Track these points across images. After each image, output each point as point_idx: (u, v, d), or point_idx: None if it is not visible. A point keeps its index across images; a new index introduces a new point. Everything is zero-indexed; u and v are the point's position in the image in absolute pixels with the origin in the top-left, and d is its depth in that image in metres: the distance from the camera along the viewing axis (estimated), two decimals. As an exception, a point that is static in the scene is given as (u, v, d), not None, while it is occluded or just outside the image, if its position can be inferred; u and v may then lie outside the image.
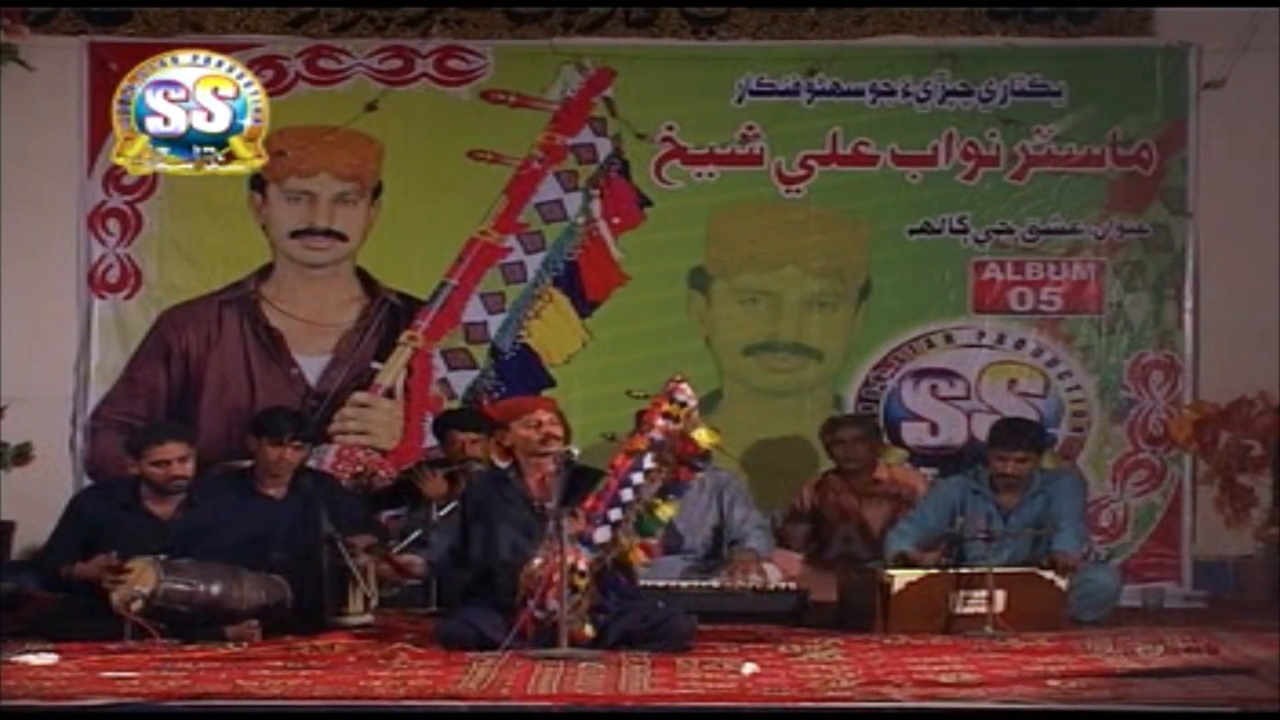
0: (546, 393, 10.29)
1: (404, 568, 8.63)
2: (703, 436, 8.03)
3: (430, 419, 10.30)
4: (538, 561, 7.91)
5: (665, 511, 8.07)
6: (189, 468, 8.66)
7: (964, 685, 7.19)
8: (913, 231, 10.51)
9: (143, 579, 8.18)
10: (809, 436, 10.32)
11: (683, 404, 8.03)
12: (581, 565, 7.88)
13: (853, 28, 10.48)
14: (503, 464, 9.96)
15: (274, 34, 10.44)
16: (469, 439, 9.71)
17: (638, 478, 8.00)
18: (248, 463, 9.37)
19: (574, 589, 7.81)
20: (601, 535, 7.98)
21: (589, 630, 7.84)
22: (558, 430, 8.31)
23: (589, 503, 8.02)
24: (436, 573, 8.80)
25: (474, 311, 10.50)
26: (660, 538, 8.12)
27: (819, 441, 10.14)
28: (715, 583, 9.19)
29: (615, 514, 7.99)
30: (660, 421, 8.03)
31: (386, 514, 9.81)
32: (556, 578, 7.79)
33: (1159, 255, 10.48)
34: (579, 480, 8.17)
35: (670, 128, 10.48)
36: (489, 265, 10.49)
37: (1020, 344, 10.53)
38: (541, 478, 8.22)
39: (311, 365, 10.49)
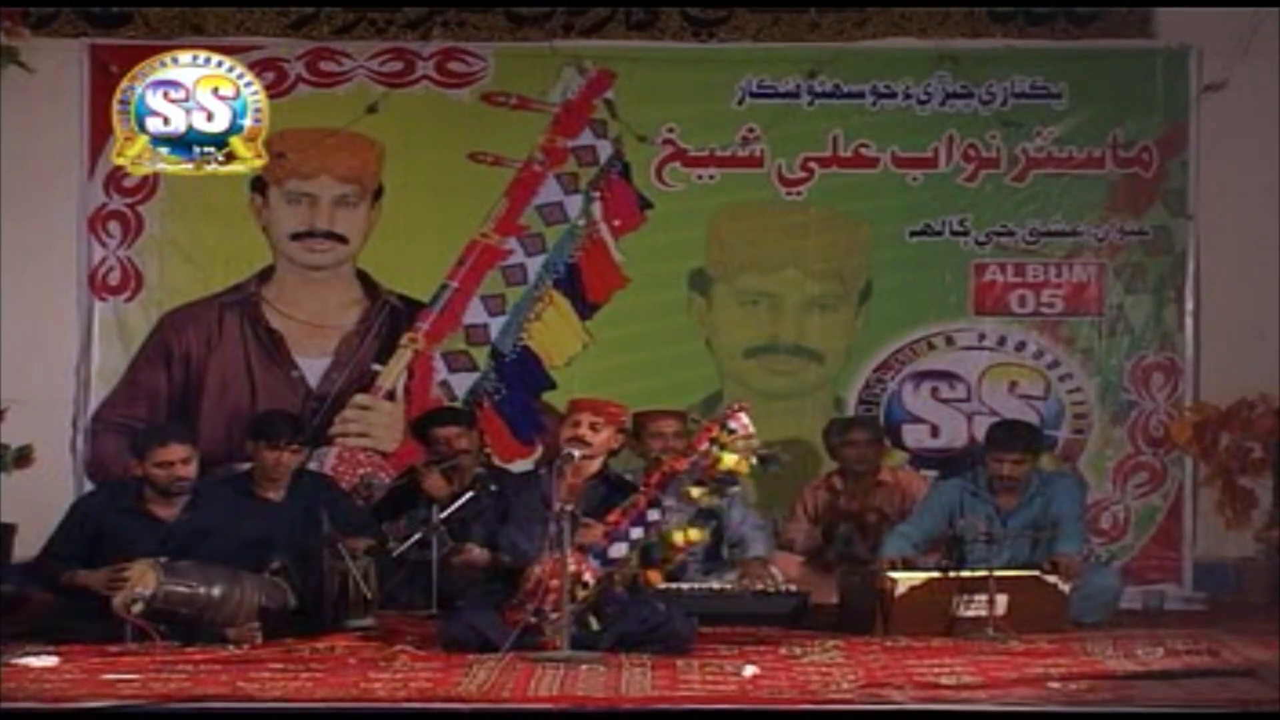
0: (547, 395, 10.32)
1: (472, 562, 8.66)
2: (726, 460, 7.97)
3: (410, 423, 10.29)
4: (538, 566, 7.91)
5: (694, 536, 8.05)
6: (192, 469, 8.66)
7: (965, 687, 7.19)
8: (913, 234, 10.51)
9: (143, 581, 8.16)
10: (810, 438, 10.32)
11: (733, 431, 7.99)
12: (587, 576, 7.86)
13: (853, 30, 10.48)
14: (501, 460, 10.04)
15: (275, 36, 10.43)
16: (452, 433, 9.70)
17: (669, 500, 7.98)
18: (247, 465, 9.38)
19: (572, 599, 7.79)
20: (617, 551, 7.95)
21: (563, 640, 7.77)
22: (590, 436, 8.20)
23: (613, 517, 8.00)
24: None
25: (475, 314, 10.50)
26: (673, 563, 8.11)
27: (822, 443, 10.14)
28: (715, 584, 9.19)
29: (637, 533, 7.96)
30: (705, 446, 8.00)
31: (388, 525, 9.78)
32: (554, 583, 7.78)
33: (1160, 257, 10.48)
34: (615, 492, 8.16)
35: (671, 130, 10.48)
36: (490, 267, 10.49)
37: (1021, 346, 10.53)
38: (572, 482, 8.15)
39: (312, 367, 10.49)
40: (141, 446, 8.76)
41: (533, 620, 7.80)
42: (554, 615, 7.79)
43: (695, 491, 7.99)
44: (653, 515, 7.97)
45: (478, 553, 8.53)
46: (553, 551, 7.81)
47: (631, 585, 8.02)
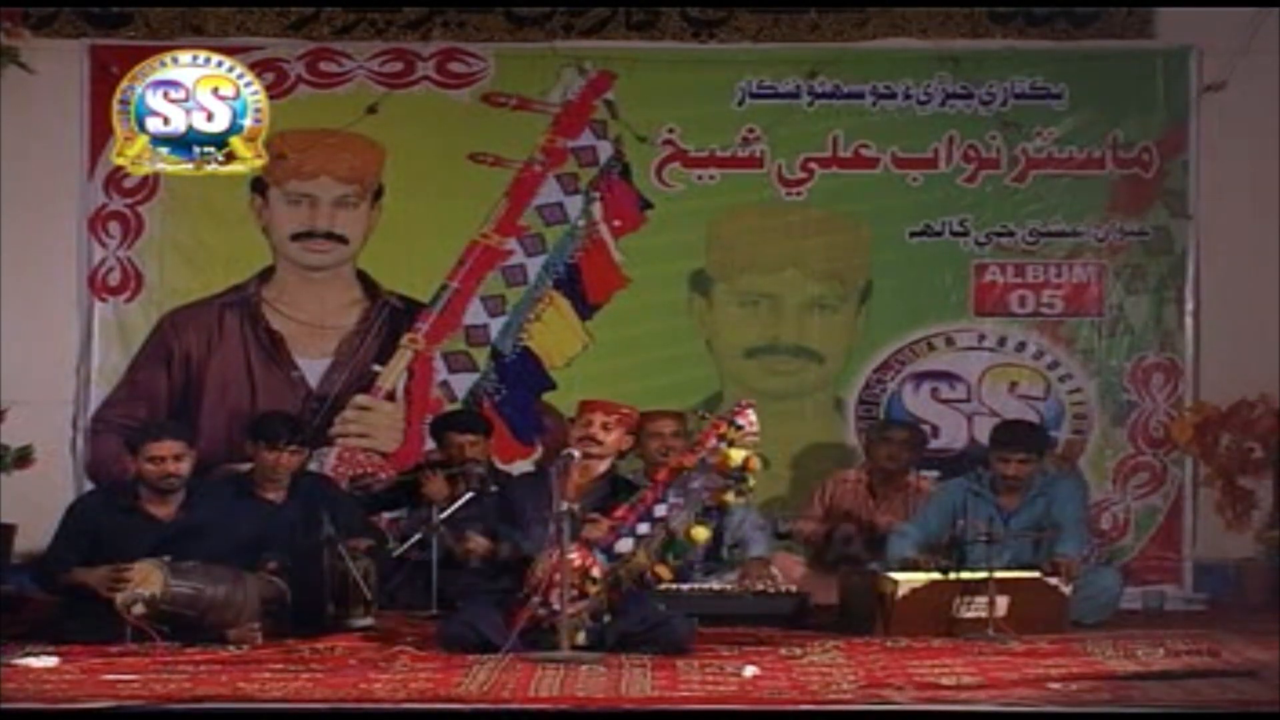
0: (547, 396, 10.32)
1: (473, 550, 8.81)
2: (733, 456, 7.98)
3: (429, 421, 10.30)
4: (543, 561, 7.91)
5: (699, 534, 8.06)
6: (184, 467, 8.64)
7: (965, 688, 7.19)
8: (913, 234, 10.51)
9: (149, 581, 8.17)
10: (810, 439, 10.35)
11: (739, 428, 8.01)
12: (595, 572, 7.87)
13: (853, 30, 10.48)
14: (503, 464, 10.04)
15: (275, 37, 10.44)
16: (468, 441, 9.71)
17: (675, 495, 7.99)
18: (247, 466, 9.38)
19: (583, 594, 7.81)
20: (623, 546, 7.97)
21: (581, 637, 7.82)
22: (602, 435, 8.23)
23: (620, 512, 8.02)
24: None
25: (475, 314, 10.50)
26: (686, 559, 8.13)
27: (860, 441, 10.22)
28: (715, 585, 9.19)
29: (644, 528, 7.98)
30: (713, 443, 8.01)
31: (387, 516, 9.81)
32: (559, 577, 7.79)
33: (1160, 258, 10.49)
34: (621, 492, 8.17)
35: (671, 130, 10.48)
36: (490, 268, 10.49)
37: (1021, 347, 10.53)
38: (579, 482, 8.17)
39: (312, 368, 10.49)
40: (136, 441, 8.76)
41: (541, 612, 7.80)
42: (555, 609, 7.80)
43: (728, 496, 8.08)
44: (659, 511, 7.99)
45: (481, 542, 8.57)
46: (557, 547, 7.84)
47: (639, 580, 8.03)
